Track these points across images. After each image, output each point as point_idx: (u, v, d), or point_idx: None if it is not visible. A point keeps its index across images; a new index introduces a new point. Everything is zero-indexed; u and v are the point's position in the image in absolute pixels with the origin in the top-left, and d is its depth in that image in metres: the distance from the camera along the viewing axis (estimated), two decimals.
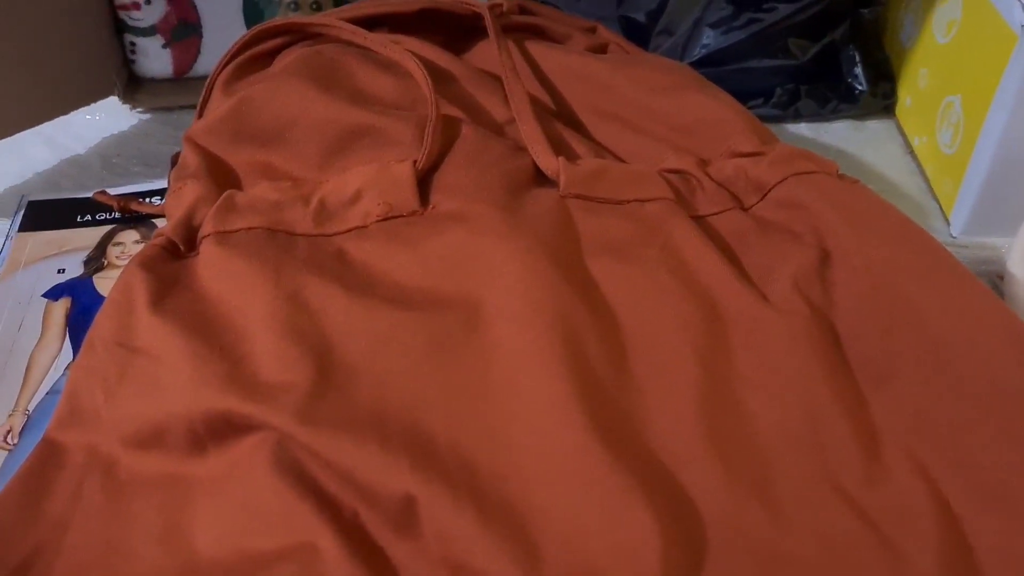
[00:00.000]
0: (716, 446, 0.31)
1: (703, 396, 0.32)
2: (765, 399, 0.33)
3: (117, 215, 0.47)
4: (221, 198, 0.38)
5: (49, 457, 0.32)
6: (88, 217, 0.47)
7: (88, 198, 0.48)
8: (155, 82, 0.56)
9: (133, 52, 0.54)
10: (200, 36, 0.55)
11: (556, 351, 0.32)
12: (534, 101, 0.42)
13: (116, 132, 0.54)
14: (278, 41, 0.45)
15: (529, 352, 0.32)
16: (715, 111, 0.42)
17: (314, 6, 0.55)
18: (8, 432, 0.37)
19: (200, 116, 0.44)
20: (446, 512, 0.29)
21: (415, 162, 0.39)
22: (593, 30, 0.49)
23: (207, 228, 0.37)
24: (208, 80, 0.44)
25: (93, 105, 0.53)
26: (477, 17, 0.46)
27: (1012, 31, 0.41)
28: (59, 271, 0.44)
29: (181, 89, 0.55)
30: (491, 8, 0.46)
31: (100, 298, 0.42)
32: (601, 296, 0.35)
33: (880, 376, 0.33)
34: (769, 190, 0.39)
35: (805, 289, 0.36)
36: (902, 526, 0.29)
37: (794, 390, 0.33)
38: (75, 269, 0.44)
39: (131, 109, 0.55)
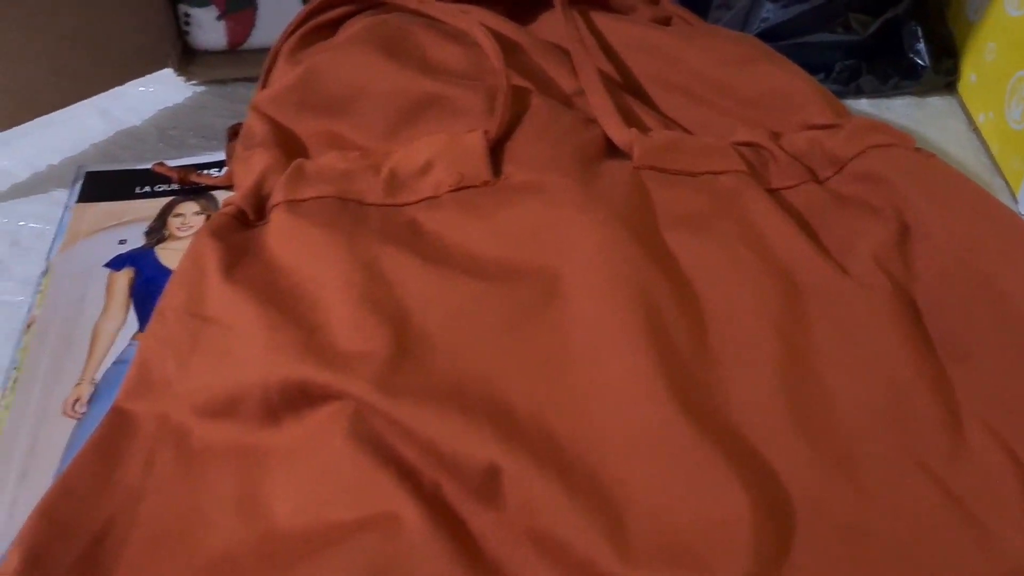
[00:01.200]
0: (799, 421, 0.31)
1: (784, 371, 0.32)
2: (847, 374, 0.32)
3: (176, 187, 0.46)
4: (291, 167, 0.38)
5: (120, 426, 0.32)
6: (147, 188, 0.47)
7: (146, 169, 0.48)
8: (209, 54, 0.55)
9: (188, 23, 0.54)
10: (255, 8, 0.54)
11: (637, 324, 0.32)
12: (602, 73, 0.42)
13: (171, 104, 0.53)
14: (343, 10, 0.44)
15: (610, 325, 0.32)
16: (786, 83, 0.42)
17: None
18: (76, 401, 0.37)
19: (264, 86, 0.43)
20: (532, 482, 0.28)
21: (486, 132, 0.38)
22: (656, 1, 0.48)
23: (277, 196, 0.37)
24: (272, 49, 0.44)
25: (147, 77, 0.53)
26: None
27: None
28: (120, 242, 0.44)
29: (236, 61, 0.55)
30: None
31: (163, 268, 0.42)
32: (679, 269, 0.34)
33: (961, 351, 0.33)
34: (846, 163, 0.38)
35: (886, 263, 0.35)
36: (987, 501, 0.29)
37: (876, 365, 0.32)
38: (136, 240, 0.44)
39: (185, 81, 0.55)
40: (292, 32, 0.44)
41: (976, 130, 0.52)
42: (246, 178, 0.38)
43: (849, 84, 0.54)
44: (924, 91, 0.54)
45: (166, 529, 0.29)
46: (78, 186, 0.47)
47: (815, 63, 0.54)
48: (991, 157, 0.50)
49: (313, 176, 0.38)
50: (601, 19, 0.45)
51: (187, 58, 0.55)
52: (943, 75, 0.54)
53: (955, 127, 0.52)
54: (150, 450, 0.31)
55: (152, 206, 0.46)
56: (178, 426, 0.32)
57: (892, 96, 0.54)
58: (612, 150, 0.39)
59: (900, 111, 0.54)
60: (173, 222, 0.45)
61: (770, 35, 0.54)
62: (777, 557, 0.27)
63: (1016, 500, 0.29)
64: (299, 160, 0.38)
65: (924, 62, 0.54)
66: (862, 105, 0.54)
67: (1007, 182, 0.48)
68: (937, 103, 0.54)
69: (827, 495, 0.29)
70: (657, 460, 0.29)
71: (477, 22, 0.41)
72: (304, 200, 0.37)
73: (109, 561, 0.28)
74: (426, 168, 0.38)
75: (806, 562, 0.27)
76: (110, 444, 0.31)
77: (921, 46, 0.54)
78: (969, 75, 0.53)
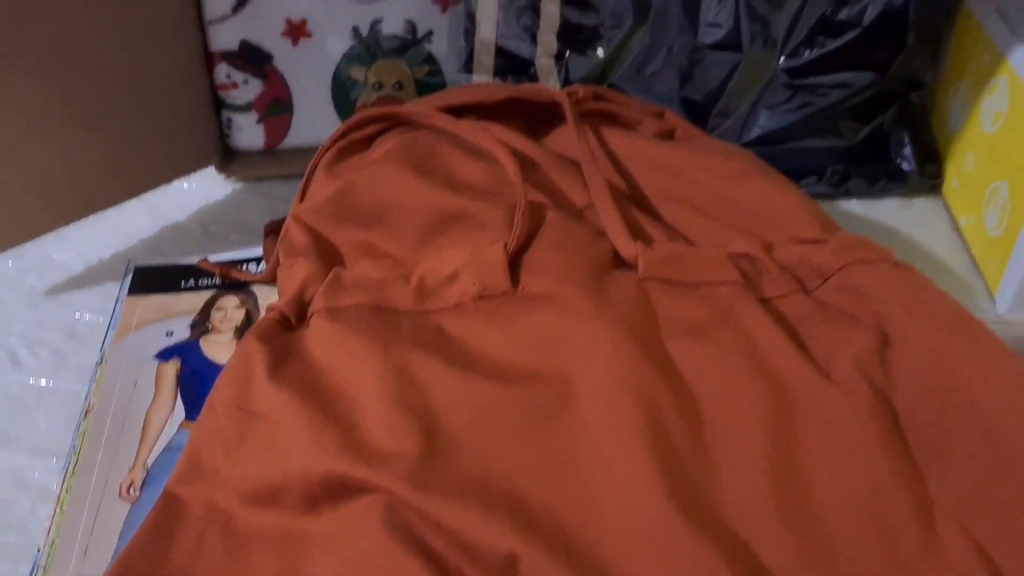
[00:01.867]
0: (785, 517, 0.34)
1: (773, 470, 0.35)
2: (830, 473, 0.35)
3: (218, 281, 0.51)
4: (329, 275, 0.42)
5: (172, 510, 0.35)
6: (192, 282, 0.51)
7: (190, 265, 0.52)
8: (247, 154, 0.60)
9: (229, 127, 0.59)
10: (291, 113, 0.59)
11: (639, 427, 0.35)
12: (610, 186, 0.46)
13: (211, 201, 0.58)
14: (376, 127, 0.49)
15: (615, 427, 0.35)
16: (779, 198, 0.46)
17: (396, 86, 0.59)
18: (131, 485, 0.40)
19: (303, 196, 0.48)
20: (547, 570, 0.31)
21: (506, 245, 0.42)
22: (661, 115, 0.53)
23: (318, 304, 0.41)
24: (311, 162, 0.48)
25: (191, 176, 0.57)
26: (556, 105, 0.50)
27: None
28: (167, 334, 0.48)
29: (272, 161, 0.60)
30: (568, 95, 0.49)
31: (206, 360, 0.46)
32: (680, 374, 0.38)
33: (935, 453, 0.36)
34: (831, 276, 0.42)
35: (867, 370, 0.38)
36: None
37: (856, 465, 0.35)
38: (182, 332, 0.48)
39: (225, 179, 0.59)
40: (330, 147, 0.48)
41: (959, 231, 0.55)
42: (289, 285, 0.42)
43: (839, 187, 0.58)
44: (910, 193, 0.58)
45: None
46: (128, 279, 0.51)
47: (807, 167, 0.58)
48: (972, 258, 0.54)
49: (350, 285, 0.41)
50: (610, 134, 0.49)
51: (227, 158, 0.60)
52: (928, 179, 0.58)
53: (940, 227, 0.56)
54: (200, 532, 0.34)
55: (196, 299, 0.50)
56: (225, 511, 0.35)
57: (880, 197, 0.58)
58: (619, 261, 0.43)
59: (888, 212, 0.58)
60: (215, 316, 0.49)
61: (765, 140, 0.58)
62: None
63: None
64: (337, 269, 0.42)
65: (910, 166, 0.58)
66: (852, 206, 0.58)
67: (986, 282, 0.52)
68: (923, 204, 0.58)
69: None
70: (657, 554, 0.32)
71: (496, 139, 0.46)
72: (342, 308, 0.41)
73: None
74: (452, 278, 0.42)
75: None
76: (163, 526, 0.35)
77: (908, 151, 0.58)
78: (952, 180, 0.57)
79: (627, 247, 0.42)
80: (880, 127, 0.58)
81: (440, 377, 0.38)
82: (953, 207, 0.57)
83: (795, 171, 0.55)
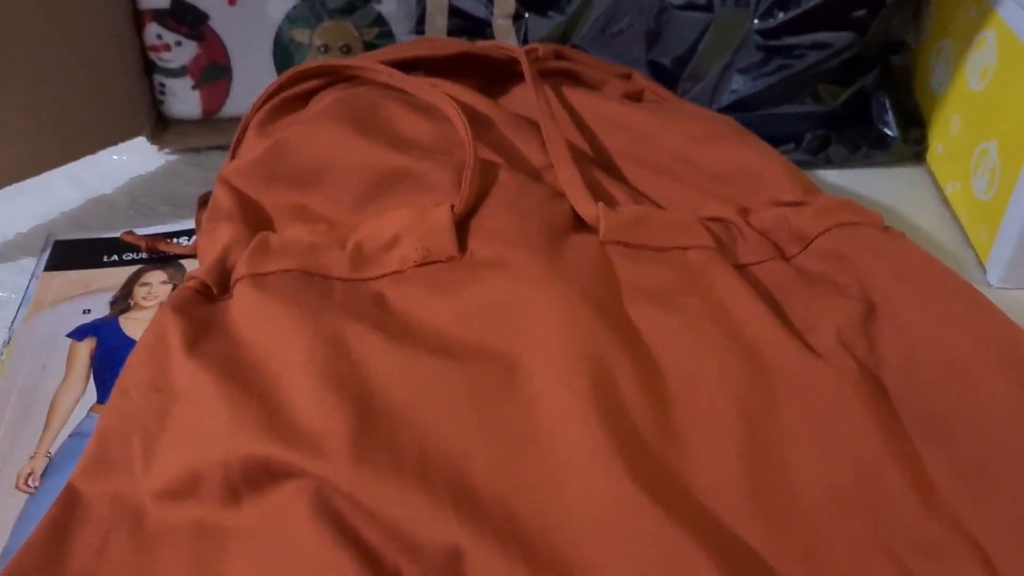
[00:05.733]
0: (761, 507, 0.30)
1: (747, 453, 0.32)
2: (813, 457, 0.32)
3: (144, 255, 0.46)
4: (255, 240, 0.38)
5: (73, 509, 0.31)
6: (115, 257, 0.47)
7: (115, 238, 0.47)
8: (183, 123, 0.56)
9: (162, 93, 0.55)
10: (230, 79, 0.55)
11: (595, 403, 0.31)
12: (572, 147, 0.42)
13: (143, 173, 0.53)
14: (314, 83, 0.45)
15: (569, 404, 0.32)
16: (755, 160, 0.42)
17: (344, 49, 0.55)
18: (30, 474, 0.36)
19: (233, 157, 0.43)
20: (495, 566, 0.28)
21: (452, 207, 0.38)
22: (628, 76, 0.49)
23: (241, 270, 0.37)
24: (242, 121, 0.44)
25: (121, 145, 0.53)
26: (514, 62, 0.46)
27: None
28: (84, 311, 0.43)
29: (209, 130, 0.55)
30: (528, 53, 0.46)
31: (126, 338, 0.42)
32: (643, 345, 0.34)
33: (932, 433, 0.33)
34: (812, 240, 0.38)
35: (851, 343, 0.35)
36: None
37: (844, 448, 0.32)
38: (101, 309, 0.43)
39: (159, 150, 0.55)
40: (262, 104, 0.44)
41: (945, 201, 0.52)
42: (210, 251, 0.38)
43: (818, 154, 0.55)
44: (893, 161, 0.55)
45: None
46: (46, 255, 0.47)
47: (785, 133, 0.55)
48: (961, 228, 0.50)
49: (278, 249, 0.37)
50: (572, 94, 0.45)
51: (161, 127, 0.55)
52: (912, 145, 0.54)
53: (925, 197, 0.53)
54: (104, 532, 0.30)
55: (119, 274, 0.45)
56: (135, 508, 0.31)
57: (861, 166, 0.55)
58: (580, 224, 0.39)
59: (871, 183, 0.54)
60: (139, 291, 0.44)
61: (740, 106, 0.55)
62: None
63: None
64: (264, 233, 0.38)
65: (893, 132, 0.55)
66: (832, 176, 0.55)
67: (976, 253, 0.48)
68: (907, 174, 0.55)
69: None
70: (621, 539, 0.28)
71: (446, 96, 0.42)
72: (268, 273, 0.37)
73: None
74: (392, 242, 0.38)
75: None
76: (62, 525, 0.30)
77: (890, 116, 0.55)
78: (936, 146, 0.53)
79: (588, 208, 0.39)
80: (861, 91, 0.55)
81: (377, 350, 0.34)
82: (939, 174, 0.53)
83: (771, 138, 0.51)
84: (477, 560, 0.28)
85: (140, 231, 0.47)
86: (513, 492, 0.30)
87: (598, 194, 0.41)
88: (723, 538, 0.29)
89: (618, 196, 0.40)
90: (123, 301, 0.44)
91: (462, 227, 0.38)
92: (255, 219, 0.40)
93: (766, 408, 0.33)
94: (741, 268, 0.38)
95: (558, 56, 0.47)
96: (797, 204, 0.40)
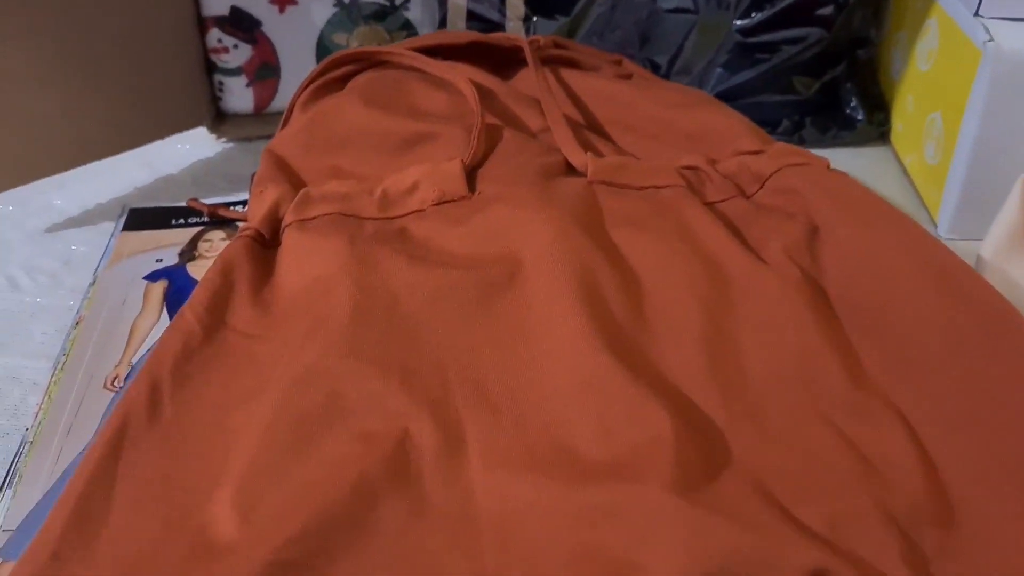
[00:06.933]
0: (716, 377, 0.36)
1: (706, 337, 0.38)
2: (761, 341, 0.38)
3: (206, 219, 0.54)
4: (299, 194, 0.45)
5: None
6: (181, 220, 0.54)
7: (182, 206, 0.55)
8: (238, 116, 0.64)
9: (221, 90, 0.63)
10: (279, 77, 0.63)
11: (579, 298, 0.38)
12: (566, 115, 0.49)
13: (204, 158, 0.62)
14: (350, 68, 0.53)
15: (559, 297, 0.38)
16: (722, 121, 0.49)
17: None
18: (115, 378, 0.43)
19: (281, 131, 0.51)
20: (495, 429, 0.34)
21: (463, 160, 0.46)
22: (619, 62, 0.56)
23: (288, 219, 0.44)
24: (290, 101, 0.52)
25: (184, 135, 0.61)
26: (519, 50, 0.54)
27: (977, 49, 0.48)
28: (157, 261, 0.51)
29: (260, 122, 0.64)
30: (531, 43, 0.53)
31: (192, 280, 0.49)
32: (622, 256, 0.41)
33: (866, 328, 0.39)
34: (766, 179, 0.45)
35: (796, 256, 0.41)
36: (879, 449, 0.33)
37: (786, 334, 0.38)
38: (171, 260, 0.51)
39: (217, 139, 0.63)
40: (307, 86, 0.52)
41: (906, 173, 0.59)
42: (260, 209, 0.44)
43: (793, 135, 0.61)
44: (860, 141, 0.62)
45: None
46: (123, 219, 0.55)
47: (764, 120, 0.61)
48: (917, 194, 0.57)
49: (318, 199, 0.45)
50: (568, 74, 0.53)
51: (219, 119, 0.64)
52: (875, 126, 0.61)
53: (889, 171, 0.59)
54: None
55: (186, 234, 0.53)
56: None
57: (832, 146, 0.62)
58: (572, 172, 0.46)
59: (841, 161, 0.60)
60: (202, 246, 0.52)
61: (724, 96, 0.61)
62: (695, 472, 0.32)
63: (905, 451, 0.33)
64: (306, 189, 0.45)
65: (859, 116, 0.61)
66: None
67: (929, 213, 0.55)
68: (873, 152, 0.61)
69: (736, 436, 0.34)
70: (596, 399, 0.34)
71: (459, 73, 0.49)
72: (311, 219, 0.44)
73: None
74: (413, 188, 0.45)
75: (721, 483, 0.32)
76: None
77: (855, 103, 0.61)
78: (897, 125, 0.60)
79: (578, 157, 0.46)
80: (831, 81, 0.62)
81: (401, 267, 0.41)
82: (899, 149, 0.60)
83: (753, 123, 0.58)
84: (477, 426, 0.34)
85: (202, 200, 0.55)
86: (511, 371, 0.37)
87: (588, 149, 0.48)
88: (682, 401, 0.35)
89: (605, 150, 0.48)
90: (189, 253, 0.52)
91: (471, 175, 0.46)
92: (296, 180, 0.47)
93: (723, 305, 0.39)
94: (709, 205, 0.45)
95: (557, 46, 0.55)
96: (756, 152, 0.47)
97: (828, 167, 0.46)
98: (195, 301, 0.40)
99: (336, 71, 0.52)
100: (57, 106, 0.54)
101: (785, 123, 0.62)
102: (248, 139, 0.63)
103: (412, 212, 0.44)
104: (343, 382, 0.35)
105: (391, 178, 0.46)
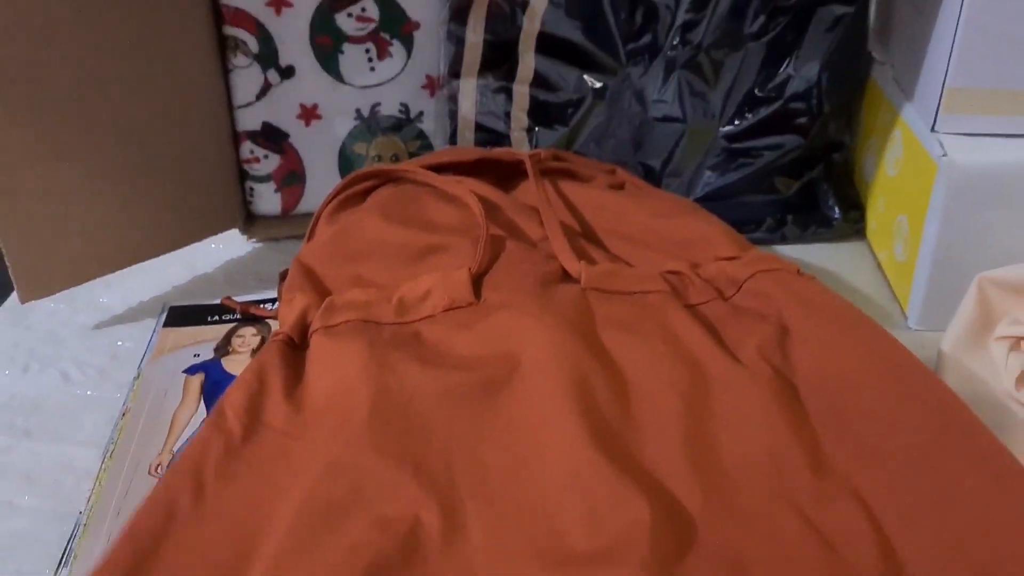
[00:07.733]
0: (695, 468, 0.41)
1: (686, 431, 0.42)
2: (735, 435, 0.42)
3: (239, 316, 0.60)
4: (325, 302, 0.50)
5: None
6: (216, 317, 0.60)
7: (216, 304, 0.61)
8: (267, 218, 0.70)
9: (251, 195, 0.69)
10: (304, 183, 0.69)
11: (572, 394, 0.43)
12: (563, 224, 0.55)
13: (235, 257, 0.67)
14: (369, 183, 0.59)
15: (554, 397, 0.43)
16: (704, 229, 0.54)
17: (393, 158, 0.69)
18: (159, 465, 0.48)
19: (308, 241, 0.57)
20: (489, 519, 0.38)
21: (470, 269, 0.51)
22: (613, 171, 0.62)
23: (315, 325, 0.49)
24: (315, 213, 0.58)
25: (218, 236, 0.67)
26: (520, 163, 0.60)
27: (934, 162, 0.53)
28: (195, 355, 0.56)
29: (287, 224, 0.69)
30: (531, 156, 0.59)
31: (226, 374, 0.55)
32: (611, 358, 0.46)
33: (831, 422, 0.43)
34: (743, 283, 0.50)
35: (768, 355, 0.46)
36: (844, 537, 0.37)
37: (758, 428, 0.43)
38: (207, 354, 0.56)
39: (247, 239, 0.69)
40: (330, 200, 0.58)
41: (880, 267, 0.64)
42: (289, 314, 0.49)
43: (776, 232, 0.67)
44: (837, 237, 0.67)
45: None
46: (163, 316, 0.60)
47: (748, 218, 0.67)
48: (889, 287, 0.61)
49: (341, 307, 0.50)
50: (566, 185, 0.59)
51: (249, 221, 0.70)
52: (851, 224, 0.66)
53: (864, 265, 0.64)
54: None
55: (220, 330, 0.59)
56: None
57: (811, 242, 0.67)
58: (567, 278, 0.52)
59: (819, 256, 0.66)
60: (235, 341, 0.58)
61: (711, 197, 0.67)
62: (670, 554, 0.36)
63: (865, 534, 0.37)
64: (331, 297, 0.50)
65: (836, 215, 0.67)
66: (788, 252, 0.66)
67: (900, 305, 0.59)
68: (849, 248, 0.66)
69: (713, 523, 0.38)
70: (582, 490, 0.39)
71: (467, 189, 0.55)
72: (336, 325, 0.49)
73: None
74: (425, 296, 0.50)
75: (694, 563, 0.37)
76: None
77: (832, 202, 0.67)
78: (871, 223, 0.65)
79: (573, 265, 0.51)
80: (810, 182, 0.67)
81: (414, 369, 0.46)
82: (874, 246, 0.65)
83: (738, 221, 0.62)
84: (479, 514, 0.38)
85: (235, 298, 0.61)
86: (510, 464, 0.41)
87: (582, 257, 0.53)
88: (662, 493, 0.40)
89: (597, 257, 0.53)
90: (223, 348, 0.57)
91: (478, 283, 0.51)
92: (322, 288, 0.53)
93: (702, 402, 0.44)
94: (691, 307, 0.50)
95: (556, 158, 0.61)
96: (733, 258, 0.52)
97: (798, 272, 0.51)
98: (235, 402, 0.45)
99: (357, 186, 0.58)
100: (107, 214, 0.60)
101: (768, 221, 0.67)
102: (276, 239, 0.69)
103: (425, 317, 0.50)
104: (363, 474, 0.40)
105: (406, 285, 0.51)
